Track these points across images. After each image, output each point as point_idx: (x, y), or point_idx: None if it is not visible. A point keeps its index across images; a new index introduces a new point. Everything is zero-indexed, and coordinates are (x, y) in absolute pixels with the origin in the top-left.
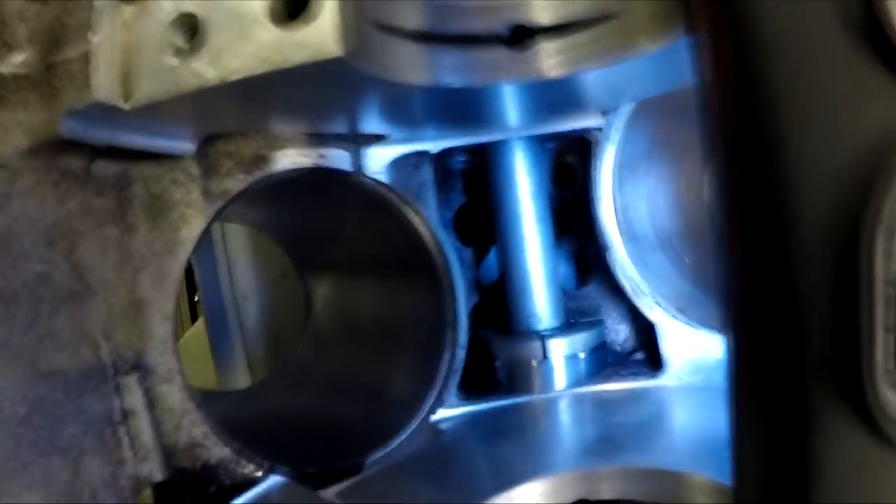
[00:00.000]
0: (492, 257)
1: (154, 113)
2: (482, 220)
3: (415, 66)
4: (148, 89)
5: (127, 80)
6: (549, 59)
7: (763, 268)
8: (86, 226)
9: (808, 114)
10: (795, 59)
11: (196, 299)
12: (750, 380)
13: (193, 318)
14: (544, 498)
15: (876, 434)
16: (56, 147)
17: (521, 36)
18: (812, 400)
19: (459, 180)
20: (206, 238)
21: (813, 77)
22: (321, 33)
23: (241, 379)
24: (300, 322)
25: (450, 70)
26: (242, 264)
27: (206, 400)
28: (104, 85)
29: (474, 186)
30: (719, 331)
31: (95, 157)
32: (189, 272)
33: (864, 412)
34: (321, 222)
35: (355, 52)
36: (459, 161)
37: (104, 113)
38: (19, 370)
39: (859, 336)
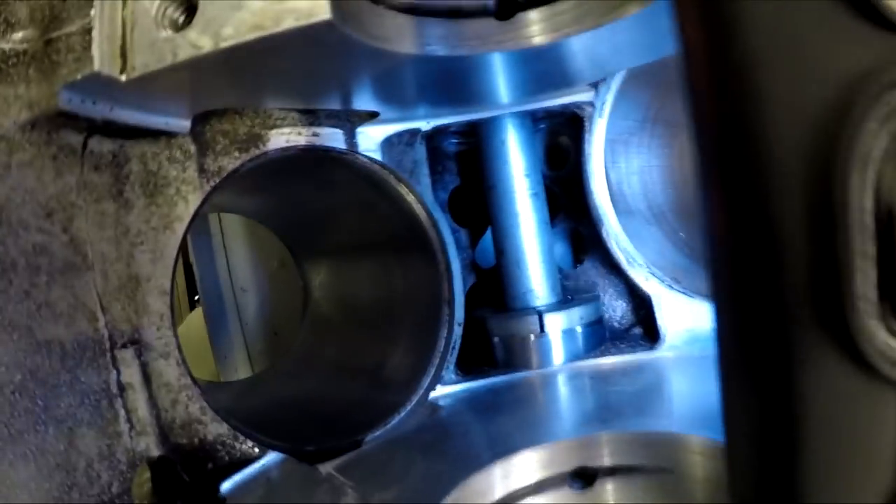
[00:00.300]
0: (487, 239)
1: (150, 86)
2: (476, 202)
3: (403, 36)
4: (144, 61)
5: (124, 53)
6: (534, 28)
7: (740, 208)
8: (83, 200)
9: (779, 52)
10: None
11: (196, 298)
12: (733, 323)
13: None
14: (543, 466)
15: (861, 366)
16: (54, 121)
17: (507, 7)
18: (795, 339)
19: (453, 163)
20: (204, 231)
21: (785, 16)
22: (312, 2)
23: (241, 372)
24: (299, 313)
25: (437, 41)
26: (240, 256)
27: (206, 391)
28: (102, 58)
29: (468, 169)
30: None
31: (92, 133)
32: (188, 268)
33: (849, 345)
34: (316, 207)
35: (344, 18)
36: (453, 143)
37: (102, 86)
38: (15, 338)
39: (838, 268)
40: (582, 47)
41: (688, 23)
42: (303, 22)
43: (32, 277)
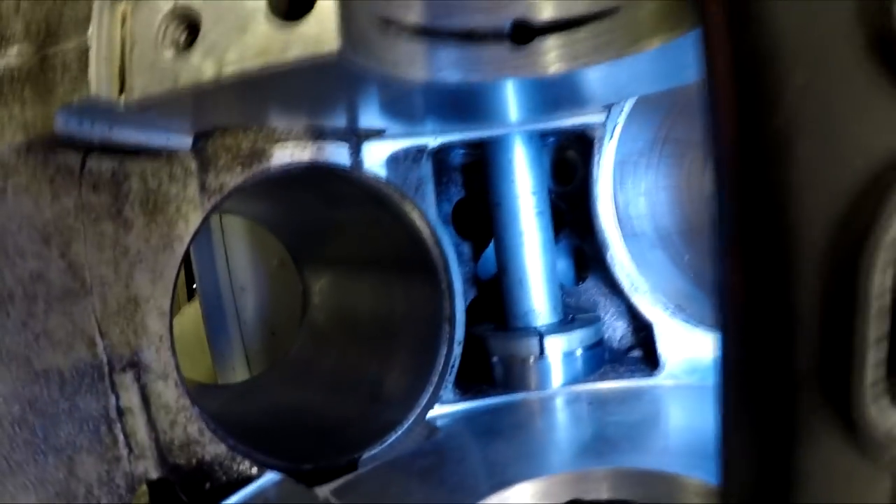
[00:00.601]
0: (490, 252)
1: (149, 108)
2: (480, 214)
3: (414, 62)
4: (143, 84)
5: (122, 75)
6: (551, 55)
7: (757, 274)
8: (81, 222)
9: (813, 124)
10: (805, 65)
11: (194, 286)
12: (739, 384)
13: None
14: (537, 498)
15: (861, 448)
16: (51, 143)
17: (523, 32)
18: (799, 410)
19: (458, 174)
20: (203, 229)
21: (821, 86)
22: (319, 28)
23: (239, 371)
24: (297, 314)
25: (450, 66)
26: (240, 255)
27: (203, 394)
28: (99, 80)
29: (473, 181)
30: (716, 330)
31: (90, 153)
32: (187, 262)
33: (850, 426)
34: (319, 218)
35: (353, 48)
36: (458, 155)
37: (99, 109)
38: (14, 370)
39: (848, 350)
40: (599, 76)
41: (722, 86)
42: (310, 51)
43: (30, 307)
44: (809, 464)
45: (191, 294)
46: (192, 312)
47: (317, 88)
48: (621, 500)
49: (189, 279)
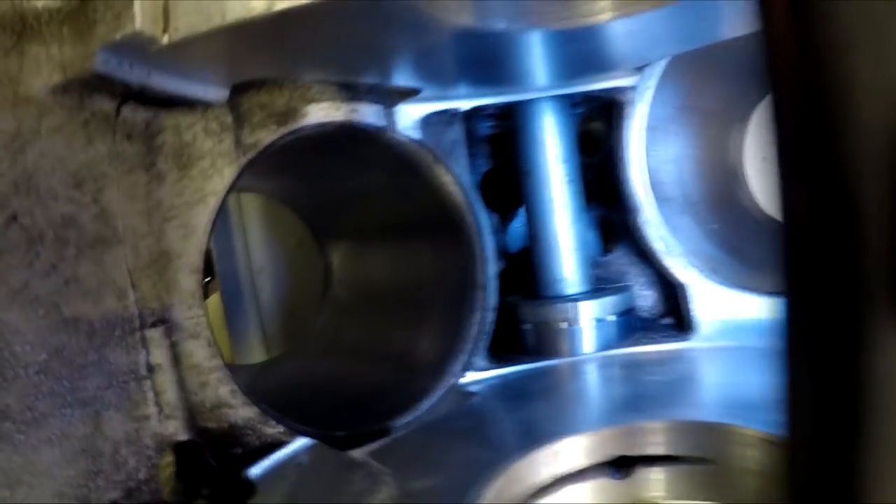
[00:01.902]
0: (517, 224)
1: (192, 50)
2: (508, 186)
3: (464, 6)
4: (189, 22)
5: (167, 12)
6: (599, 3)
7: (820, 189)
8: (114, 170)
9: (869, 35)
10: None
11: (207, 280)
12: (803, 304)
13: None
14: (585, 453)
15: None
16: (87, 86)
17: None
18: (869, 320)
19: (485, 145)
20: (222, 208)
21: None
22: None
23: (256, 353)
24: (316, 295)
25: (497, 13)
26: (258, 235)
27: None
28: (144, 16)
29: (500, 152)
30: (750, 290)
31: (126, 100)
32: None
33: None
34: (344, 187)
35: None
36: (486, 126)
37: (141, 48)
38: (40, 314)
39: None
40: (636, 28)
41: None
42: None
43: (60, 250)
44: (883, 375)
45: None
46: (211, 298)
47: (363, 33)
48: (667, 456)
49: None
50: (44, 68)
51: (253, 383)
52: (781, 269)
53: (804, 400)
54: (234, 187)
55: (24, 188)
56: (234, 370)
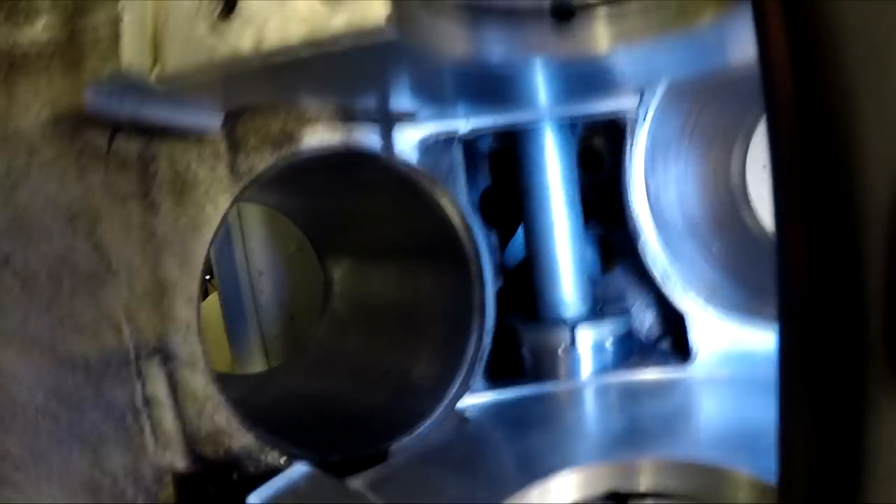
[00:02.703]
0: (516, 241)
1: (182, 85)
2: (507, 203)
3: (457, 39)
4: (177, 58)
5: (156, 49)
6: (597, 32)
7: (820, 242)
8: (107, 203)
9: (875, 79)
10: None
11: (207, 277)
12: (800, 364)
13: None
14: (576, 489)
15: None
16: (77, 120)
17: (568, 8)
18: (868, 384)
19: (485, 163)
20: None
21: (882, 39)
22: (366, 2)
23: (256, 357)
24: (316, 299)
25: (492, 44)
26: (257, 239)
27: (224, 383)
28: (131, 54)
29: (500, 169)
30: (748, 320)
31: (117, 132)
32: None
33: None
34: (345, 206)
35: (400, 22)
36: (486, 143)
37: (129, 85)
38: (37, 355)
39: None
40: (639, 55)
41: (775, 44)
42: (356, 24)
43: (54, 289)
44: (880, 439)
45: (205, 284)
46: (210, 301)
47: (353, 65)
48: (659, 494)
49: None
50: (33, 104)
51: (251, 397)
52: (779, 315)
53: (801, 459)
54: (227, 215)
55: (17, 228)
56: (232, 381)
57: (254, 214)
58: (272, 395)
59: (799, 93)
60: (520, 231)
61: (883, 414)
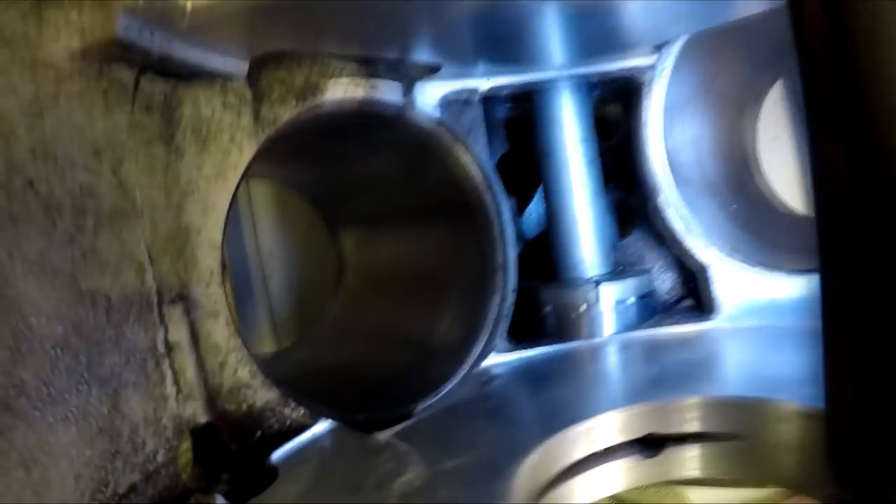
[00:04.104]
0: (533, 208)
1: (212, 17)
2: (525, 169)
3: None
4: None
5: None
6: None
7: (853, 138)
8: (133, 143)
9: None
10: None
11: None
12: (842, 270)
13: None
14: (610, 433)
15: None
16: (107, 52)
17: None
18: None
19: (502, 129)
20: None
21: None
22: None
23: (266, 340)
24: (328, 280)
25: None
26: (267, 218)
27: None
28: None
29: (516, 136)
30: (769, 272)
31: (145, 71)
32: None
33: None
34: (359, 173)
35: None
36: (502, 109)
37: (162, 14)
38: (58, 286)
39: None
40: (658, 3)
41: None
42: None
43: (78, 220)
44: None
45: None
46: None
47: (379, 6)
48: (699, 434)
49: None
50: (63, 33)
51: (267, 371)
52: (818, 229)
53: (844, 372)
54: (249, 170)
55: (42, 155)
56: None
57: (263, 194)
58: (288, 369)
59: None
60: (536, 199)
61: None
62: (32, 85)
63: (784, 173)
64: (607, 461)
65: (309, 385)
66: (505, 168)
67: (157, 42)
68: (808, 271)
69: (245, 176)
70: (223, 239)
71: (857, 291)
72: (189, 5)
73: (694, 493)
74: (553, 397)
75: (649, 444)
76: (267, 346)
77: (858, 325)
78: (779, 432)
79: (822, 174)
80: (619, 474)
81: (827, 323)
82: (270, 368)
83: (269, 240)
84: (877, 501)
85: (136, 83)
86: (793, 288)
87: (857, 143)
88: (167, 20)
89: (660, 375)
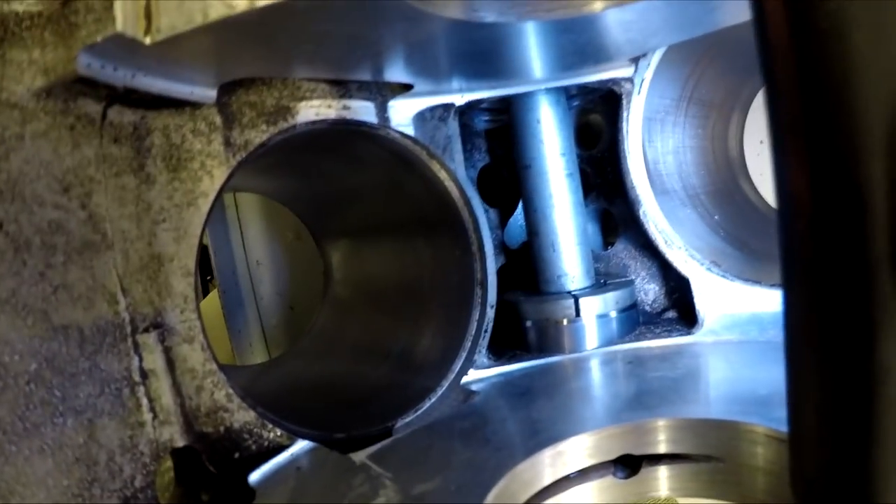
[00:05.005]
0: (516, 220)
1: (176, 50)
2: (506, 181)
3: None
4: (171, 22)
5: (149, 13)
6: None
7: (820, 165)
8: (102, 174)
9: (866, 15)
10: None
11: (209, 278)
12: (807, 295)
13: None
14: (588, 453)
15: None
16: (72, 89)
17: None
18: (875, 301)
19: (482, 140)
20: (218, 204)
21: None
22: None
23: (257, 349)
24: (315, 288)
25: (486, 4)
26: (255, 229)
27: (225, 373)
28: (125, 17)
29: (497, 147)
30: (753, 284)
31: (112, 103)
32: (203, 249)
33: None
34: (340, 186)
35: None
36: (483, 120)
37: (124, 49)
38: (30, 323)
39: None
40: (635, 17)
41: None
42: None
43: (48, 257)
44: (891, 358)
45: (205, 284)
46: (210, 298)
47: (348, 28)
48: (673, 455)
49: (204, 271)
50: (26, 73)
51: (253, 385)
52: (782, 251)
53: (810, 393)
54: (225, 188)
55: (9, 195)
56: (234, 371)
57: (251, 205)
58: (273, 383)
59: (792, 21)
60: (519, 211)
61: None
62: None
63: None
64: (582, 482)
65: (293, 401)
66: (487, 179)
67: (121, 76)
68: None
69: (220, 196)
70: (196, 265)
71: (822, 310)
72: (148, 39)
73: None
74: (530, 416)
75: (625, 464)
76: (258, 354)
77: (822, 346)
78: (751, 454)
79: (788, 195)
80: (593, 495)
81: (790, 343)
82: (258, 382)
83: (257, 249)
84: None
85: (104, 116)
86: (775, 301)
87: (824, 166)
88: (127, 55)
89: (638, 393)
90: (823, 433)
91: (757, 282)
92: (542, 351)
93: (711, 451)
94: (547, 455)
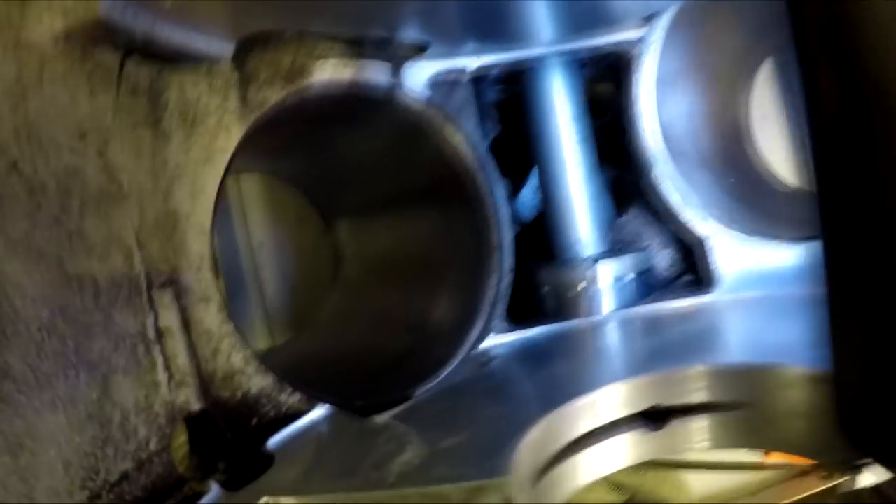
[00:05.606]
0: (527, 191)
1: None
2: (517, 152)
3: None
4: None
5: None
6: None
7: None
8: (119, 124)
9: None
10: None
11: None
12: (847, 249)
13: None
14: (613, 407)
15: None
16: (91, 34)
17: None
18: None
19: (493, 111)
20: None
21: None
22: None
23: (259, 335)
24: (320, 271)
25: None
26: (257, 210)
27: None
28: None
29: (508, 118)
30: (769, 241)
31: (130, 55)
32: None
33: None
34: (350, 160)
35: None
36: (493, 91)
37: None
38: (43, 269)
39: None
40: None
41: None
42: None
43: (64, 202)
44: None
45: None
46: None
47: None
48: (701, 405)
49: None
50: (46, 14)
51: (266, 362)
52: (821, 216)
53: (851, 333)
54: (239, 163)
55: (25, 136)
56: None
57: (253, 186)
58: (288, 359)
59: None
60: (531, 182)
61: None
62: (15, 66)
63: (777, 150)
64: (612, 436)
65: (308, 373)
66: (499, 150)
67: (140, 23)
68: (808, 239)
69: (231, 167)
70: (213, 224)
71: (861, 247)
72: None
73: (693, 478)
74: (553, 374)
75: (654, 418)
76: (261, 341)
77: (863, 282)
78: (787, 398)
79: (817, 113)
80: (624, 449)
81: (831, 281)
82: (267, 361)
83: (259, 232)
84: (892, 460)
85: (121, 67)
86: (793, 256)
87: (850, 74)
88: (149, 2)
89: (662, 348)
90: (869, 369)
91: (775, 237)
92: (560, 316)
93: (745, 397)
94: (579, 405)
